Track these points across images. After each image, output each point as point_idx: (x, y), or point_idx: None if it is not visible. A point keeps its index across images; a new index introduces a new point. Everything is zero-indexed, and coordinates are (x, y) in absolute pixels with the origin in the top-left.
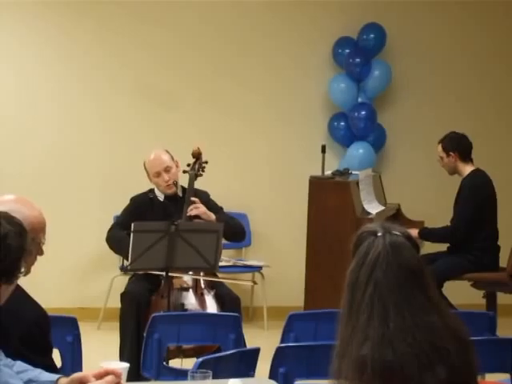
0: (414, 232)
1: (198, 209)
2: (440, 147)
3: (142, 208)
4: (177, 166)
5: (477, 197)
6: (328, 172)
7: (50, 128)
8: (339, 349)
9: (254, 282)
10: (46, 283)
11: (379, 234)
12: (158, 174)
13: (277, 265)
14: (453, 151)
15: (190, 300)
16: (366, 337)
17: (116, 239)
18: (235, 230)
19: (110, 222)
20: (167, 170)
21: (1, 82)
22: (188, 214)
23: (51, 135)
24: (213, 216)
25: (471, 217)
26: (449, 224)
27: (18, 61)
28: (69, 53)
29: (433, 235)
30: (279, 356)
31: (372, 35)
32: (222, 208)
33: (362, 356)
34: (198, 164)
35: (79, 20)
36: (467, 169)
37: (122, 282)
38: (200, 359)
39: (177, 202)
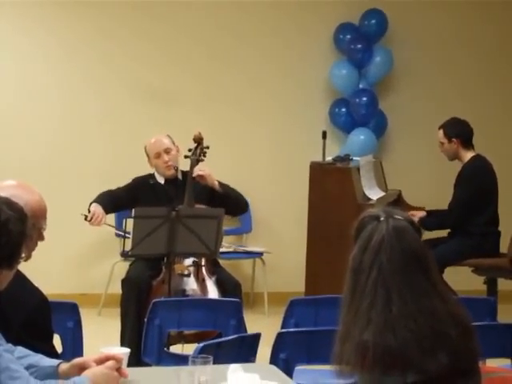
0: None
1: (203, 171)
2: (441, 133)
3: (142, 189)
4: (177, 151)
5: (475, 181)
6: (329, 158)
7: (52, 119)
8: (341, 333)
9: (215, 260)
10: (47, 269)
11: (382, 219)
12: (158, 155)
13: (278, 251)
14: (455, 137)
15: (191, 286)
16: (368, 321)
17: (97, 195)
18: (238, 200)
19: None
20: (167, 151)
21: (3, 75)
22: (194, 175)
23: (54, 126)
24: (216, 182)
25: (467, 200)
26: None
27: (20, 54)
28: (71, 46)
29: (432, 223)
30: (280, 341)
31: (373, 21)
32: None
33: (364, 341)
34: (199, 149)
35: (82, 14)
36: (468, 155)
37: (122, 267)
38: (201, 345)
39: (177, 185)
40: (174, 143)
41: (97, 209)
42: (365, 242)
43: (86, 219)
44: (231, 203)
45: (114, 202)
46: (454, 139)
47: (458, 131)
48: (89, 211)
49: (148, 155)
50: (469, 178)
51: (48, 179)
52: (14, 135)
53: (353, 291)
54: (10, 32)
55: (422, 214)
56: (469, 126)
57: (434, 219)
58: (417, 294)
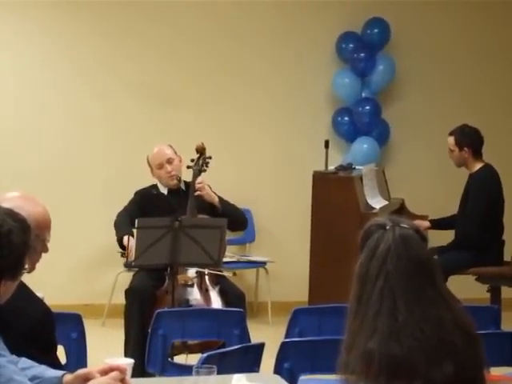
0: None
1: (201, 186)
2: (452, 140)
3: (146, 201)
4: (180, 161)
5: (486, 195)
6: (331, 167)
7: (54, 126)
8: (347, 342)
9: (234, 273)
10: (51, 280)
11: (388, 227)
12: (161, 166)
13: (281, 260)
14: (467, 147)
15: (195, 296)
16: (374, 330)
17: (117, 224)
18: (237, 218)
19: (114, 219)
20: (170, 161)
21: (4, 80)
22: (196, 187)
23: (55, 133)
24: (216, 199)
25: (482, 216)
26: (452, 214)
27: (18, 56)
28: (73, 50)
29: (451, 247)
30: (284, 351)
31: (376, 30)
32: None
33: (370, 349)
34: (201, 159)
35: (84, 18)
36: (477, 165)
37: (126, 278)
38: (205, 355)
39: (180, 196)
40: (175, 153)
41: (131, 242)
42: (371, 250)
43: (122, 256)
44: (230, 221)
45: (133, 224)
46: (465, 148)
47: (470, 141)
48: (120, 246)
49: (150, 166)
50: (479, 195)
51: (50, 189)
52: (14, 139)
53: (359, 300)
54: (7, 34)
55: (426, 224)
56: (480, 134)
57: (456, 244)
58: (423, 302)
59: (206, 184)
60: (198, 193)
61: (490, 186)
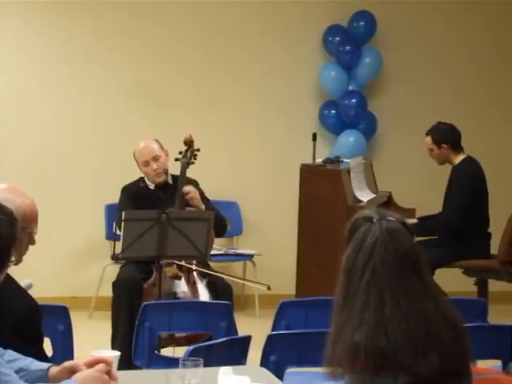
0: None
1: (191, 194)
2: (429, 139)
3: (135, 195)
4: (166, 155)
5: (470, 184)
6: (319, 160)
7: (43, 120)
8: (333, 334)
9: (268, 288)
10: (38, 272)
11: (375, 220)
12: (147, 163)
13: (268, 253)
14: (444, 143)
15: (182, 288)
16: (360, 323)
17: None
18: (219, 223)
19: (102, 211)
20: (156, 158)
21: None
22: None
23: (44, 127)
24: (202, 206)
25: (465, 205)
26: (439, 211)
27: (9, 55)
28: (62, 47)
29: (428, 229)
30: (270, 344)
31: (362, 23)
32: (209, 200)
33: (356, 342)
34: (190, 152)
35: (74, 16)
36: (458, 158)
37: (113, 270)
38: (191, 347)
39: (168, 189)
40: (162, 148)
41: None
42: (358, 243)
43: None
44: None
45: None
46: (443, 145)
47: (447, 136)
48: None
49: (137, 161)
50: (462, 184)
51: (38, 181)
52: (4, 136)
53: (345, 292)
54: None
55: (414, 221)
56: (456, 129)
57: (429, 223)
58: (410, 295)
59: (194, 190)
60: (190, 195)
61: (472, 177)
